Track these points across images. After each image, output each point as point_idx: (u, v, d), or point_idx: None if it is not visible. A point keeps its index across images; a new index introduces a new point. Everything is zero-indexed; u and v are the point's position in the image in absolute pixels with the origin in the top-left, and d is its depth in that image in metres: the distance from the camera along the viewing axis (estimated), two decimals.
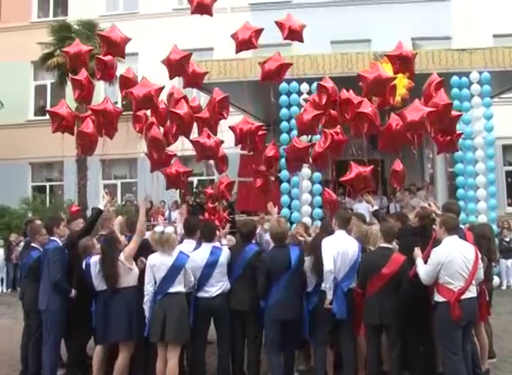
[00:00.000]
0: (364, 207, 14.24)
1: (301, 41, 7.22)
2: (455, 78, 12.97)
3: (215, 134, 7.28)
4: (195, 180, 20.72)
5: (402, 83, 12.58)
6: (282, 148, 12.94)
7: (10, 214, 18.45)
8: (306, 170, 12.61)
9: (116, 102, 19.47)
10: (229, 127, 7.21)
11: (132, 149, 20.02)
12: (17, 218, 17.90)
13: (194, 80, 7.37)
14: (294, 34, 7.12)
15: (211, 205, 8.91)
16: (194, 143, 7.03)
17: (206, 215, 8.79)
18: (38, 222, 7.44)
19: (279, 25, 7.16)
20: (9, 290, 16.67)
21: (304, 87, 12.64)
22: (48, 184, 21.88)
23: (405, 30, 17.94)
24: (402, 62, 6.75)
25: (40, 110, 21.88)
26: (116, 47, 6.75)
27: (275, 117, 12.68)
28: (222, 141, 7.25)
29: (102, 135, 7.06)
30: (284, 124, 13.00)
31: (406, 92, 12.37)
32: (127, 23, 19.98)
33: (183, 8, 20.52)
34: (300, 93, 12.72)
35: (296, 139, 7.66)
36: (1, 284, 16.95)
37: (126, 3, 21.24)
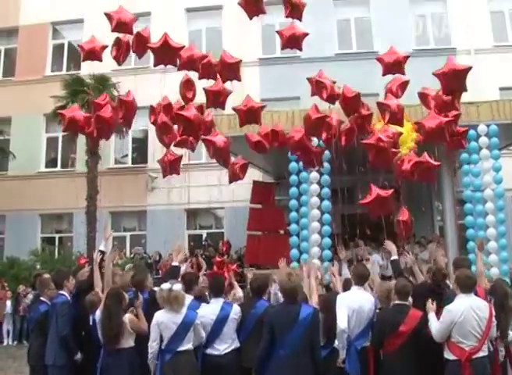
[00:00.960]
0: (377, 258, 14.22)
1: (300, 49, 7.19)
2: None
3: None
4: (204, 232, 20.75)
5: (411, 136, 12.68)
6: (290, 202, 13.07)
7: (19, 265, 18.45)
8: (315, 224, 12.60)
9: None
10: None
11: (141, 202, 20.45)
12: (26, 269, 17.88)
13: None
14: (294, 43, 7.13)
15: (218, 259, 8.87)
16: (205, 141, 7.05)
17: (214, 268, 8.73)
18: (47, 275, 7.42)
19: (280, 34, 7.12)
20: (15, 342, 16.52)
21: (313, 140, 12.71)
22: (57, 236, 21.89)
23: (413, 84, 18.13)
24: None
25: (51, 162, 22.12)
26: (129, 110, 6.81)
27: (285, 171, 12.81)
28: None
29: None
30: (293, 178, 13.03)
31: (415, 145, 12.44)
32: (139, 77, 20.46)
33: None
34: None
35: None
36: (8, 337, 16.80)
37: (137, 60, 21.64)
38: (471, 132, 13.03)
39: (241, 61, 6.85)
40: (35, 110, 21.24)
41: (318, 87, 6.99)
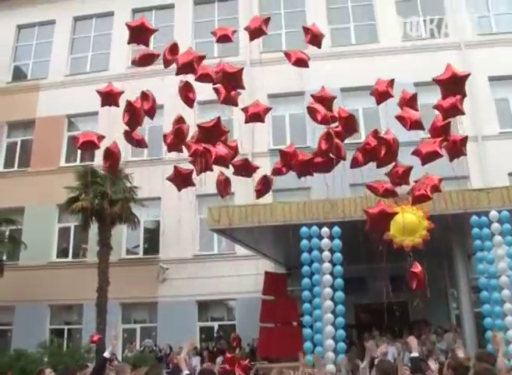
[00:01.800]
0: (392, 350, 13.79)
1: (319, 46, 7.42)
2: (475, 218, 13.00)
3: None
4: (216, 324, 20.39)
5: (422, 225, 12.66)
6: (303, 293, 12.90)
7: (26, 358, 17.99)
8: (329, 316, 12.36)
9: None
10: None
11: (152, 293, 20.24)
12: (33, 362, 17.41)
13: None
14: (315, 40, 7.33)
15: (229, 355, 8.65)
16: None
17: (226, 366, 8.49)
18: (48, 370, 7.24)
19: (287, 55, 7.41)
20: None
21: (325, 230, 12.69)
22: (66, 328, 21.51)
23: (421, 171, 18.34)
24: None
25: (62, 252, 22.12)
26: None
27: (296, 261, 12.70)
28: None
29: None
30: (305, 268, 12.89)
31: (426, 234, 12.40)
32: (151, 168, 20.77)
33: None
34: (320, 237, 12.74)
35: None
36: None
37: (151, 150, 22.00)
38: (483, 219, 12.99)
39: (243, 69, 6.99)
40: (48, 200, 21.45)
41: (310, 112, 7.23)
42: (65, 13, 24.68)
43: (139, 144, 7.53)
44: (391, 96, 7.25)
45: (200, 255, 20.21)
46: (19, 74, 25.33)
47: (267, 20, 7.51)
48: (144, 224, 21.02)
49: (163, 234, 19.99)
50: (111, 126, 22.05)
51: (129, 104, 6.92)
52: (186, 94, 7.26)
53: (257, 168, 7.92)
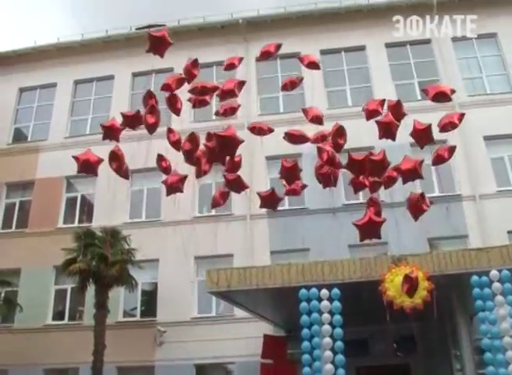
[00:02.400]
0: None
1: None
2: (475, 277, 12.87)
3: None
4: None
5: (422, 285, 12.54)
6: (303, 357, 12.66)
7: None
8: (328, 353, 12.08)
9: None
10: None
11: (149, 357, 19.87)
12: None
13: None
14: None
15: None
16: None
17: None
18: None
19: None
20: None
21: (324, 292, 12.56)
22: None
23: (421, 230, 18.38)
24: None
25: (58, 314, 21.79)
26: None
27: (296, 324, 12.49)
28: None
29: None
30: (305, 331, 12.66)
31: (427, 295, 12.29)
32: (149, 230, 20.79)
33: (204, 216, 21.40)
34: (320, 299, 12.59)
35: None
36: None
37: (149, 211, 22.11)
38: (484, 278, 12.86)
39: (242, 142, 7.20)
40: (45, 262, 21.30)
41: (319, 152, 8.07)
42: (66, 77, 25.21)
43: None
44: (380, 113, 7.90)
45: (199, 317, 19.96)
46: (19, 136, 25.63)
47: (241, 84, 7.83)
48: (141, 286, 20.81)
49: (160, 296, 19.82)
50: (110, 187, 22.35)
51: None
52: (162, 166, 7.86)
53: (247, 187, 8.26)
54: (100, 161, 7.47)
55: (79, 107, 25.21)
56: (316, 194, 20.79)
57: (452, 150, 7.73)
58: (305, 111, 7.92)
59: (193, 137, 7.64)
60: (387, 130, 7.67)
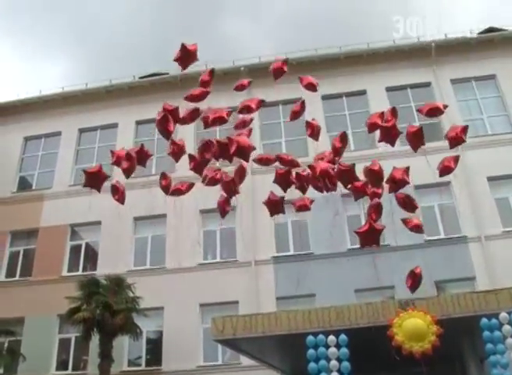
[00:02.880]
0: None
1: None
2: (484, 320, 12.67)
3: None
4: None
5: (431, 330, 12.37)
6: None
7: None
8: None
9: None
10: None
11: None
12: None
13: None
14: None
15: None
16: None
17: None
18: None
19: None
20: None
21: (331, 339, 12.37)
22: None
23: (428, 273, 18.23)
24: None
25: (62, 364, 21.48)
26: None
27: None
28: None
29: None
30: None
31: (435, 339, 12.10)
32: (154, 277, 20.66)
33: (209, 263, 21.29)
34: (327, 346, 12.40)
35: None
36: None
37: (153, 259, 22.02)
38: (493, 321, 12.66)
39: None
40: (49, 310, 21.12)
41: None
42: (70, 125, 25.51)
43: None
44: (407, 183, 7.91)
45: (205, 365, 19.66)
46: (24, 184, 25.77)
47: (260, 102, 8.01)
48: (146, 334, 20.55)
49: (166, 345, 19.56)
50: (114, 235, 22.36)
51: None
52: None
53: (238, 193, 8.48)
54: (106, 177, 7.55)
55: (83, 155, 25.40)
56: (321, 239, 20.91)
57: (457, 159, 7.90)
58: (312, 167, 7.90)
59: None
60: (387, 134, 7.97)
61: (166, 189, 8.47)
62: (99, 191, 7.60)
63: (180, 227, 21.29)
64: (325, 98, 22.85)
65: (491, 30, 23.91)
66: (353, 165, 7.82)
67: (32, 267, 23.29)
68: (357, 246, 20.83)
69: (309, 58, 23.75)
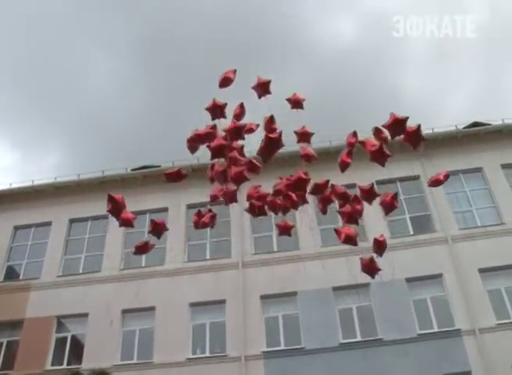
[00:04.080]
0: None
1: None
2: None
3: None
4: None
5: None
6: None
7: None
8: None
9: None
10: None
11: None
12: None
13: None
14: None
15: None
16: None
17: None
18: None
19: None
20: None
21: None
22: None
23: (422, 369, 18.02)
24: None
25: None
26: None
27: None
28: None
29: None
30: None
31: None
32: (141, 372, 20.06)
33: (198, 357, 20.74)
34: None
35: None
36: None
37: (141, 353, 21.42)
38: None
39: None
40: None
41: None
42: (61, 215, 25.42)
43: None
44: (395, 207, 8.77)
45: None
46: (11, 274, 25.31)
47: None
48: None
49: None
50: (101, 328, 21.85)
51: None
52: None
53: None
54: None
55: (73, 245, 25.17)
56: (313, 334, 20.56)
57: (447, 176, 8.74)
58: (338, 232, 8.50)
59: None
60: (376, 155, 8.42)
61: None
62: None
63: (169, 320, 20.94)
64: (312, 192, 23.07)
65: (476, 124, 24.57)
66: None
67: (15, 360, 22.53)
68: (350, 340, 20.61)
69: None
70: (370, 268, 8.63)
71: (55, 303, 22.74)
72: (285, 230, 9.42)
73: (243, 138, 8.41)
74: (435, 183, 9.00)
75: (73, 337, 22.88)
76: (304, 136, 8.96)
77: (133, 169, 25.59)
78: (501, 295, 20.73)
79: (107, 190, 25.18)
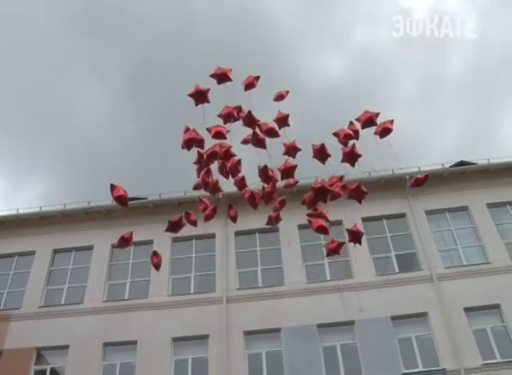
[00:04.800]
0: None
1: None
2: None
3: None
4: None
5: None
6: None
7: None
8: None
9: None
10: None
11: None
12: None
13: None
14: None
15: None
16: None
17: None
18: None
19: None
20: None
21: None
22: None
23: None
24: None
25: None
26: None
27: None
28: None
29: None
30: None
31: None
32: None
33: None
34: None
35: None
36: None
37: None
38: None
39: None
40: None
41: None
42: (45, 245, 25.08)
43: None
44: (338, 254, 9.76)
45: None
46: None
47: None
48: None
49: None
50: (82, 360, 21.39)
51: None
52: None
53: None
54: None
55: (56, 276, 24.82)
56: (296, 371, 20.28)
57: (392, 122, 8.97)
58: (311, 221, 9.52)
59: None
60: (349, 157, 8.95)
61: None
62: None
63: (151, 355, 20.60)
64: (301, 227, 23.07)
65: (462, 163, 24.83)
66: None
67: None
68: None
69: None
70: (350, 156, 8.98)
71: (35, 334, 22.33)
72: (334, 250, 9.85)
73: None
74: (417, 182, 9.95)
75: (53, 370, 22.40)
76: (287, 171, 9.18)
77: None
78: (487, 335, 20.63)
79: (92, 221, 25.28)
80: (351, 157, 8.90)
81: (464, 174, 24.42)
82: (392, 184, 24.03)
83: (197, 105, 8.80)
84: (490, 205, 23.69)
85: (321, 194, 9.11)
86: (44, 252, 25.20)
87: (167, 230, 9.81)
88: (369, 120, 8.72)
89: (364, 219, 23.39)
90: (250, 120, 8.62)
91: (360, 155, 8.93)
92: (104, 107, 64.52)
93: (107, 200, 25.62)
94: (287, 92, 9.40)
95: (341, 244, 9.65)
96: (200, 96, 8.72)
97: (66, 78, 58.68)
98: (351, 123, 8.83)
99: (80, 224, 24.82)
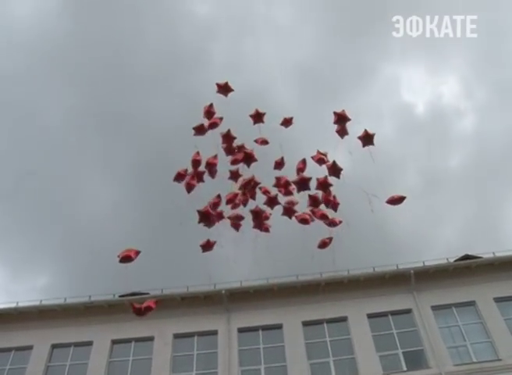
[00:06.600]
0: None
1: None
2: None
3: None
4: None
5: None
6: None
7: None
8: None
9: None
10: None
11: None
12: None
13: None
14: None
15: None
16: None
17: None
18: None
19: None
20: None
21: None
22: None
23: None
24: None
25: None
26: None
27: None
28: None
29: None
30: None
31: None
32: None
33: None
34: None
35: None
36: None
37: None
38: None
39: None
40: None
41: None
42: (43, 339, 24.54)
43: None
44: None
45: None
46: None
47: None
48: None
49: None
50: None
51: None
52: None
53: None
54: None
55: (54, 372, 24.17)
56: None
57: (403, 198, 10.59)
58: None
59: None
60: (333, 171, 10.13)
61: None
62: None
63: None
64: (305, 324, 22.80)
65: (467, 257, 24.69)
66: None
67: None
68: None
69: (290, 284, 23.85)
70: (333, 169, 10.26)
71: None
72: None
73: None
74: (392, 202, 10.49)
75: None
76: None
77: (120, 296, 25.13)
78: None
79: (92, 315, 24.86)
80: (334, 171, 10.16)
81: (469, 268, 24.20)
82: (397, 279, 23.84)
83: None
84: (498, 300, 23.32)
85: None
86: (41, 347, 24.63)
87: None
88: (368, 138, 10.40)
89: (370, 316, 23.08)
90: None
91: (341, 169, 10.28)
92: (109, 198, 65.08)
93: (108, 295, 25.43)
94: (291, 118, 10.73)
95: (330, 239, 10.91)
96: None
97: (71, 170, 59.45)
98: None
99: (80, 319, 24.43)
